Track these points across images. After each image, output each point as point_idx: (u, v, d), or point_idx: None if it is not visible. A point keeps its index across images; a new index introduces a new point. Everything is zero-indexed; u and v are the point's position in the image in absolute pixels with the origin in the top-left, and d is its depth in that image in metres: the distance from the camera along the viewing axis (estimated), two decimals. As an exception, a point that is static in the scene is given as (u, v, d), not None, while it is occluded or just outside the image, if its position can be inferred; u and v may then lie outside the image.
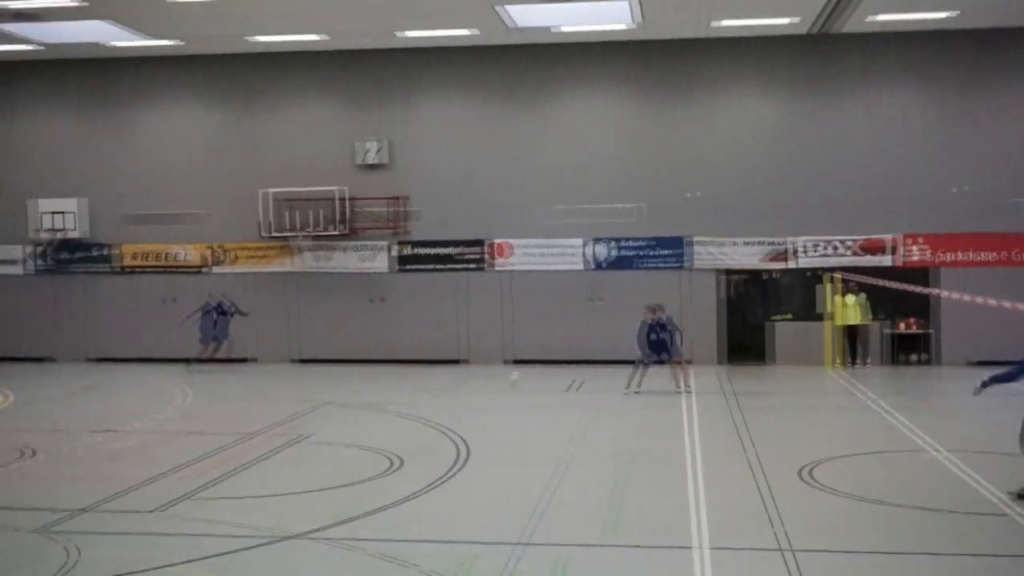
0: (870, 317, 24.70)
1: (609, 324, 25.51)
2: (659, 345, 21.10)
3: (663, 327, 21.13)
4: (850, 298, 24.46)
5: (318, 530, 10.88)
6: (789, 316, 25.67)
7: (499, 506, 12.03)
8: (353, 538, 10.59)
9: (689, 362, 22.81)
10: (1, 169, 27.89)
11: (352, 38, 25.17)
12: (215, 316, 25.29)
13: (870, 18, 23.21)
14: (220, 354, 25.43)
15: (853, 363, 24.80)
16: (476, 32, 24.48)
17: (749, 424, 17.25)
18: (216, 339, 25.37)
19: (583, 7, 22.09)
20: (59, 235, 27.00)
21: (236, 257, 27.05)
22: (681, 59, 25.46)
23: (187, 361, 25.46)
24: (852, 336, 24.87)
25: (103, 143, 27.58)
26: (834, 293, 24.34)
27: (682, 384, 20.90)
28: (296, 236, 25.97)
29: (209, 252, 27.13)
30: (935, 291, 21.39)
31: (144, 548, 10.43)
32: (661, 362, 21.34)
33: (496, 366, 25.69)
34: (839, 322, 24.57)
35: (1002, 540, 10.43)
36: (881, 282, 22.14)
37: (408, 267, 26.47)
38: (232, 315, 25.48)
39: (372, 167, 26.40)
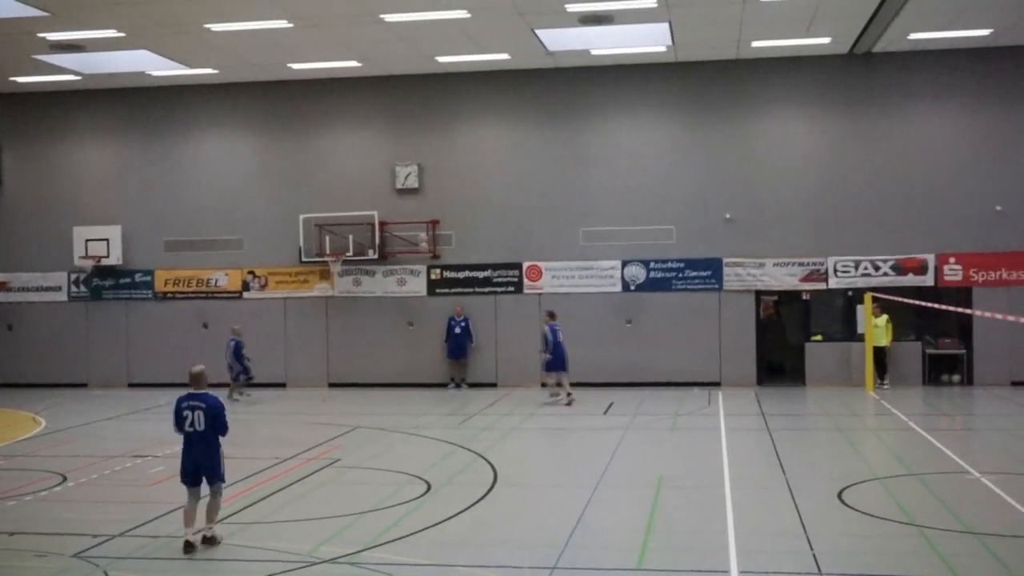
0: (891, 338, 24.39)
1: (644, 346, 25.52)
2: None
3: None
4: (881, 319, 24.21)
5: (352, 554, 10.87)
6: (819, 338, 25.41)
7: (532, 530, 11.98)
8: (386, 562, 10.57)
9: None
10: (48, 197, 28.37)
11: (390, 64, 25.37)
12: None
13: (909, 37, 23.09)
14: None
15: (879, 384, 24.55)
16: (513, 56, 24.61)
17: (786, 446, 17.09)
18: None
19: (618, 30, 22.13)
20: (98, 262, 27.34)
21: (275, 282, 27.24)
22: (717, 81, 25.44)
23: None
24: (879, 357, 24.58)
25: (142, 171, 27.99)
26: (874, 314, 24.12)
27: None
28: (335, 261, 26.11)
29: (250, 277, 27.34)
30: (965, 311, 21.11)
31: (178, 573, 10.48)
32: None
33: (531, 389, 25.68)
34: (872, 343, 24.35)
35: (1045, 564, 10.25)
36: (905, 300, 21.99)
37: (440, 291, 26.53)
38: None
39: (407, 191, 26.55)
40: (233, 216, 27.45)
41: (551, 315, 23.35)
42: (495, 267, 26.35)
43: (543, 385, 23.32)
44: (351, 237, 26.07)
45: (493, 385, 26.11)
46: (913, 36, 23.13)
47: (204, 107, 27.66)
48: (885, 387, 24.33)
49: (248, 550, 11.22)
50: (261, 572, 10.33)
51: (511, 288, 26.29)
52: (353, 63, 25.15)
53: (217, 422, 11.36)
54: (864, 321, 24.20)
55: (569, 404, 22.41)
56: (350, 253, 26.06)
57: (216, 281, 27.58)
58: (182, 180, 27.80)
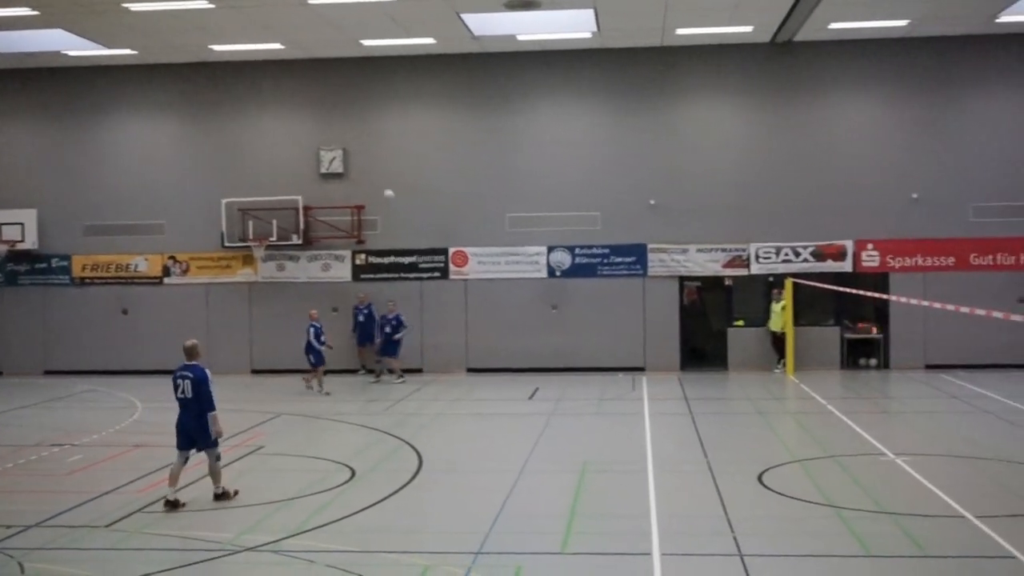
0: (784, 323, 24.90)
1: (569, 332, 25.65)
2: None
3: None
4: (778, 305, 24.71)
5: (275, 542, 10.78)
6: (741, 323, 25.79)
7: (456, 516, 12.01)
8: (310, 550, 10.50)
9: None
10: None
11: (314, 47, 25.08)
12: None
13: (830, 26, 23.46)
14: None
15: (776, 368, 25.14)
16: (438, 41, 24.48)
17: (709, 430, 17.32)
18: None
19: (544, 16, 22.12)
20: (12, 247, 26.63)
21: (197, 268, 26.84)
22: (642, 68, 25.59)
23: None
24: (780, 341, 25.12)
25: (59, 154, 27.32)
26: (775, 299, 24.80)
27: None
28: (257, 246, 25.78)
29: (171, 262, 26.91)
30: (882, 296, 21.56)
31: (96, 563, 10.29)
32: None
33: (458, 375, 25.70)
34: (771, 328, 25.06)
35: (956, 542, 10.52)
36: (825, 286, 22.43)
37: (366, 276, 26.37)
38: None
39: (331, 176, 26.32)
40: (153, 200, 26.95)
41: (393, 303, 24.79)
42: (421, 253, 26.25)
43: (390, 371, 24.83)
44: (275, 222, 25.76)
45: (419, 371, 26.03)
46: (833, 26, 23.51)
47: (123, 89, 27.06)
48: (776, 371, 24.91)
49: (169, 538, 11.07)
50: (182, 561, 10.19)
51: (437, 274, 26.22)
52: (277, 46, 24.82)
53: (200, 394, 12.54)
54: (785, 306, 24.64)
55: (402, 381, 24.34)
56: (274, 238, 25.76)
57: (136, 266, 27.08)
58: (100, 163, 27.21)
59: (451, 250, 26.15)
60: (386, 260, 26.35)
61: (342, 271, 26.51)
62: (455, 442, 17.19)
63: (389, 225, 26.26)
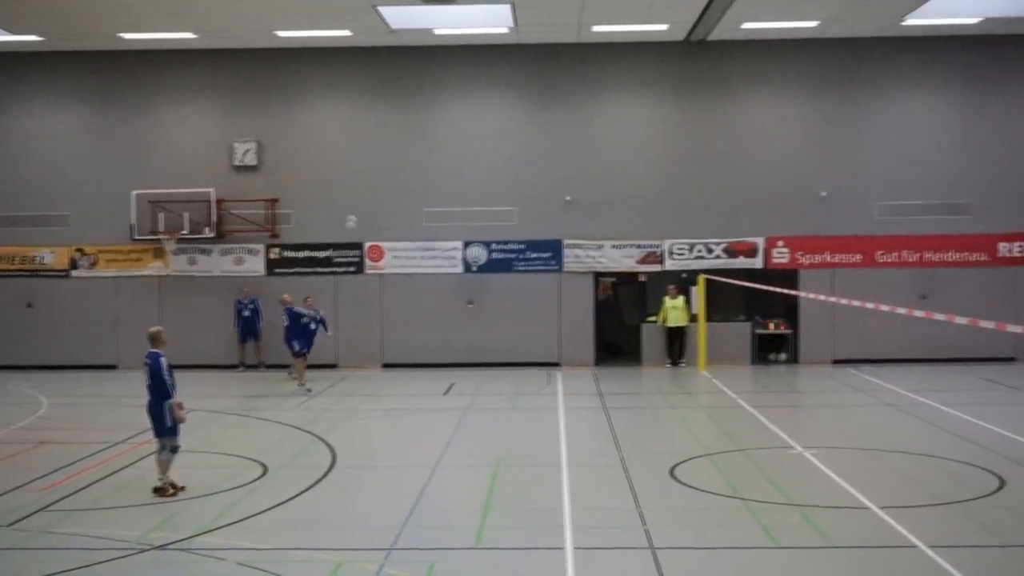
0: (688, 319, 25.27)
1: (485, 327, 25.68)
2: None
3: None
4: (679, 300, 25.08)
5: (183, 540, 10.62)
6: (654, 319, 26.04)
7: (369, 512, 11.94)
8: (220, 547, 10.36)
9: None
10: None
11: (227, 37, 24.68)
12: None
13: (742, 26, 23.82)
14: None
15: (675, 363, 25.47)
16: (355, 33, 24.28)
17: (622, 425, 17.49)
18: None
19: (461, 10, 22.07)
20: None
21: (105, 260, 26.26)
22: (558, 64, 25.71)
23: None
24: (676, 337, 25.51)
25: (-40, 142, 26.51)
26: (671, 296, 25.17)
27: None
28: (168, 239, 25.32)
29: (78, 255, 26.29)
30: (792, 292, 21.99)
31: (-3, 563, 10.05)
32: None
33: (373, 370, 25.57)
34: (667, 323, 25.37)
35: (860, 533, 10.76)
36: (735, 282, 22.82)
37: (279, 271, 26.06)
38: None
39: (245, 168, 25.96)
40: (60, 191, 26.27)
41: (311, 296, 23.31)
42: (336, 247, 26.03)
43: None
44: (186, 215, 25.33)
45: (334, 366, 25.81)
46: (746, 26, 23.87)
47: (28, 76, 26.30)
48: (681, 366, 25.32)
49: (74, 537, 10.82)
50: (87, 560, 9.97)
51: (352, 268, 26.03)
52: (188, 35, 24.36)
53: (154, 382, 12.73)
54: (697, 302, 24.92)
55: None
56: (185, 231, 25.34)
57: (42, 259, 26.41)
58: (4, 152, 26.44)
59: (366, 244, 25.98)
60: (300, 254, 26.08)
61: (256, 265, 26.17)
62: (369, 438, 17.10)
63: (303, 219, 26.00)
